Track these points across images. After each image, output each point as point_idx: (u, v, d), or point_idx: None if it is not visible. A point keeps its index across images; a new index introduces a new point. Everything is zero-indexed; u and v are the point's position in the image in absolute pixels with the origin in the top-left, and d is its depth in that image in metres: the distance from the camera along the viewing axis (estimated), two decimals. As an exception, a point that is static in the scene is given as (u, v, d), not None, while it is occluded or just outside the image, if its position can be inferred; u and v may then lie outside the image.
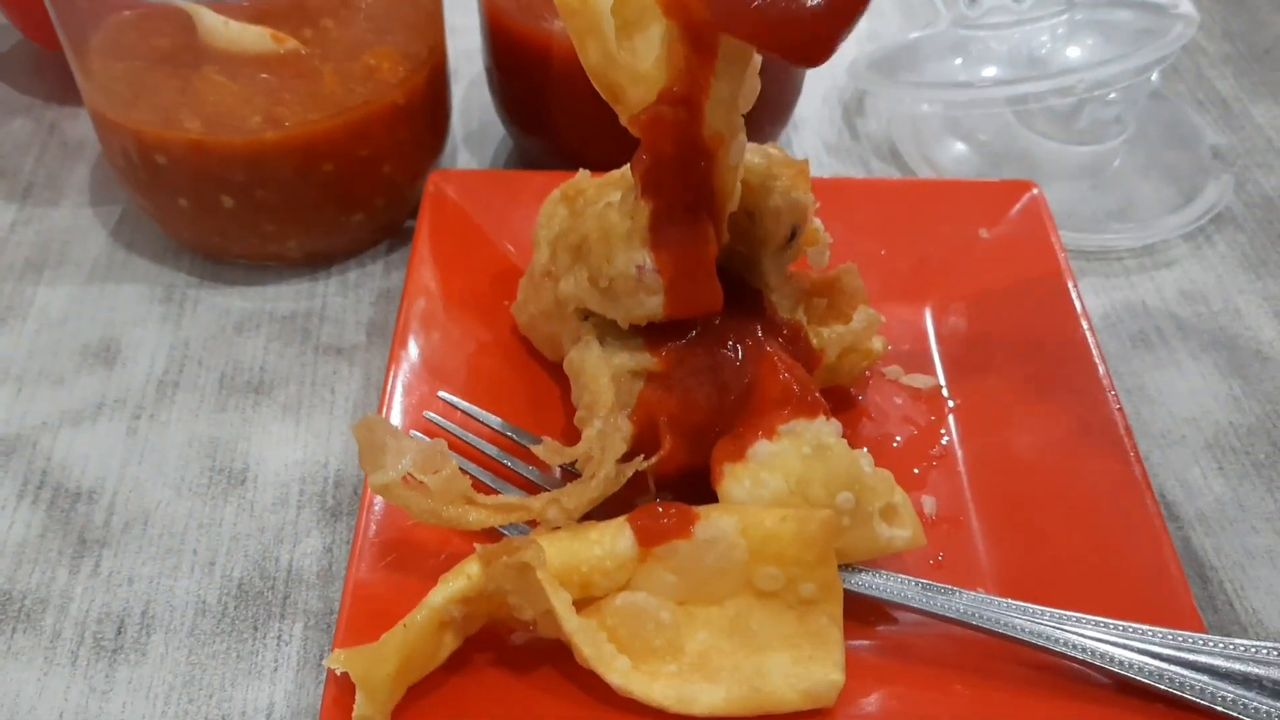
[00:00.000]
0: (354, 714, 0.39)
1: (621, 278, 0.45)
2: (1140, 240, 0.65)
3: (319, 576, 0.49)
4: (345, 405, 0.55)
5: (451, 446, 0.49)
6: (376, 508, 0.47)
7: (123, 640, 0.46)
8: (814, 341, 0.50)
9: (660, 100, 0.43)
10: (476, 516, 0.44)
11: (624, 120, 0.44)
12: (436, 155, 0.64)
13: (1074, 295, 0.56)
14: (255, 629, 0.47)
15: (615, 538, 0.43)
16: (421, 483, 0.43)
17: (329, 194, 0.58)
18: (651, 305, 0.46)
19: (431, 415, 0.50)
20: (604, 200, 0.48)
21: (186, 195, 0.57)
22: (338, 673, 0.40)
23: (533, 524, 0.45)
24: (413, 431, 0.49)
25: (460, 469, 0.44)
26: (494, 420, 0.50)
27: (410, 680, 0.41)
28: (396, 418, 0.50)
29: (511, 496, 0.45)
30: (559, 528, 0.44)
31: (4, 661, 0.46)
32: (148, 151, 0.56)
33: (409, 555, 0.46)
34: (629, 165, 0.50)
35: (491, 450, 0.50)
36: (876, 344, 0.52)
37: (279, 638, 0.47)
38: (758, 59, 0.45)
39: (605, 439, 0.45)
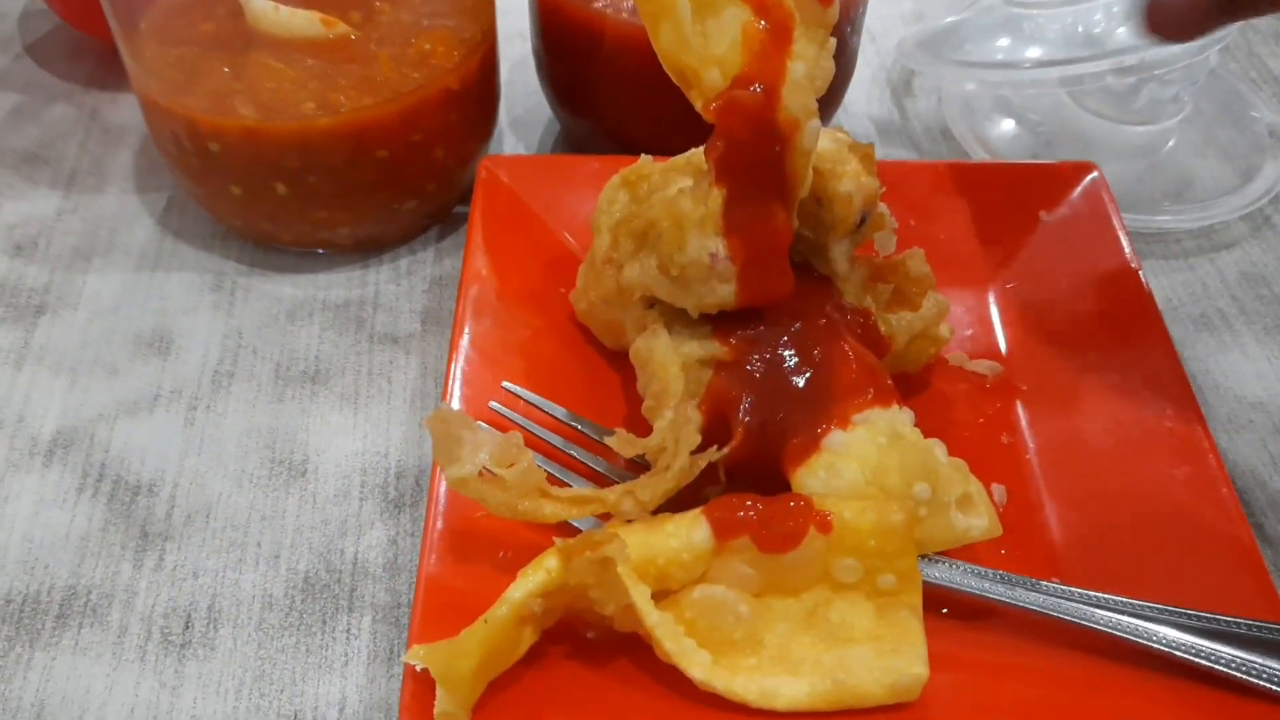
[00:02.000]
0: (436, 710, 0.39)
1: (694, 265, 0.45)
2: (1198, 222, 0.64)
3: (385, 569, 0.48)
4: (403, 395, 0.55)
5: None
6: (443, 500, 0.46)
7: (190, 635, 0.46)
8: (882, 328, 0.49)
9: (735, 84, 0.43)
10: (552, 509, 0.43)
11: (698, 106, 0.44)
12: (486, 139, 0.63)
13: (1142, 278, 0.55)
14: (324, 623, 0.46)
15: (691, 530, 0.42)
16: (495, 475, 0.43)
17: (381, 180, 0.57)
18: (723, 293, 0.45)
19: (496, 405, 0.49)
20: (672, 186, 0.47)
21: (239, 182, 0.56)
22: (417, 669, 0.39)
23: (604, 516, 0.45)
24: (480, 423, 0.48)
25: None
26: (559, 411, 0.50)
27: (490, 675, 0.40)
28: (459, 408, 0.50)
29: (585, 489, 0.44)
30: (633, 520, 0.43)
31: (72, 657, 0.45)
32: (200, 138, 0.55)
33: (478, 548, 0.45)
34: (697, 150, 0.49)
35: (556, 441, 0.49)
36: (943, 330, 0.51)
37: (348, 631, 0.46)
38: (832, 41, 0.44)
39: (678, 430, 0.44)
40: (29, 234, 0.63)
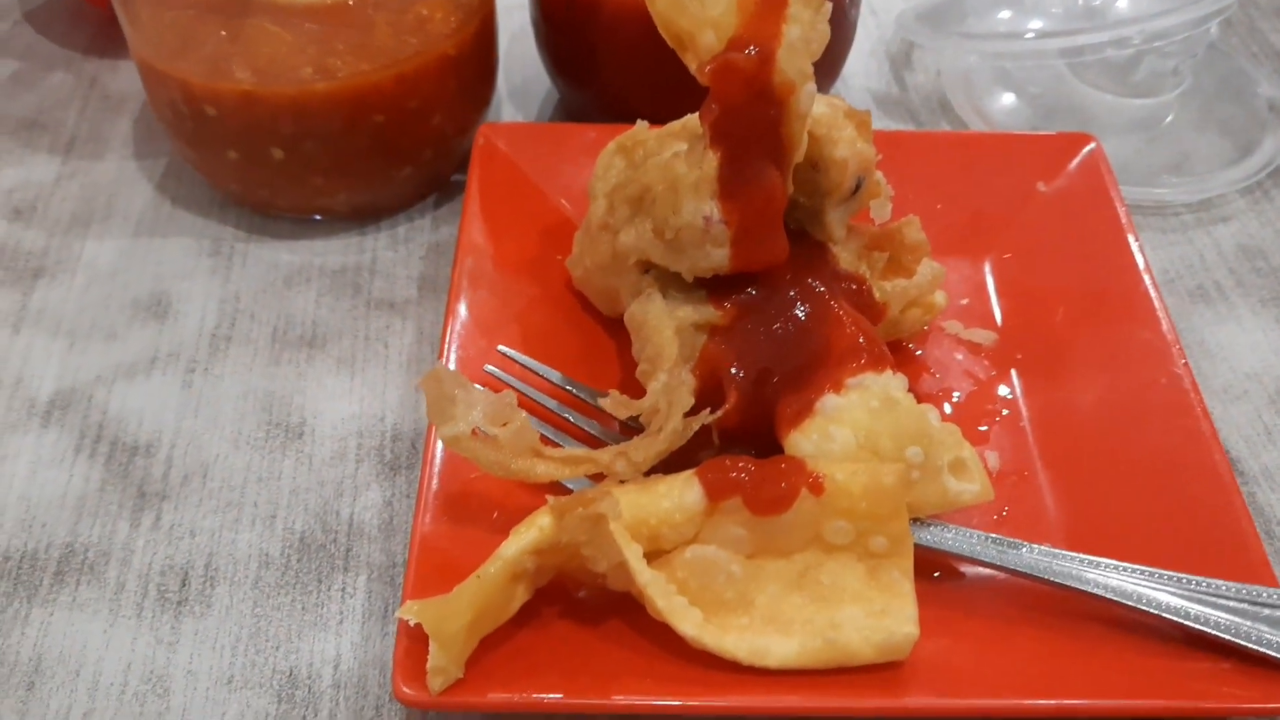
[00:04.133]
0: (429, 665, 0.39)
1: (688, 228, 0.45)
2: (1197, 195, 0.64)
3: (380, 530, 0.48)
4: (399, 359, 0.55)
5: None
6: (438, 461, 0.46)
7: (187, 593, 0.46)
8: (877, 295, 0.49)
9: (730, 47, 0.43)
10: (544, 469, 0.43)
11: (693, 69, 0.44)
12: (484, 108, 0.63)
13: (1136, 250, 0.55)
14: (319, 582, 0.47)
15: (684, 491, 0.42)
16: (489, 435, 0.43)
17: (378, 146, 0.57)
18: (717, 257, 0.45)
19: (491, 369, 0.50)
20: (668, 150, 0.47)
21: (235, 147, 0.56)
22: (410, 624, 0.40)
23: (597, 477, 0.45)
24: (474, 384, 0.49)
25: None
26: (553, 374, 0.50)
27: (483, 632, 0.41)
28: (454, 369, 0.50)
29: (578, 449, 0.45)
30: (625, 481, 0.44)
31: (69, 614, 0.46)
32: (196, 103, 0.55)
33: (472, 509, 0.46)
34: (693, 115, 0.49)
35: (550, 403, 0.49)
36: (938, 298, 0.52)
37: (343, 590, 0.46)
38: (828, 5, 0.44)
39: (672, 392, 0.44)
40: (27, 199, 0.63)
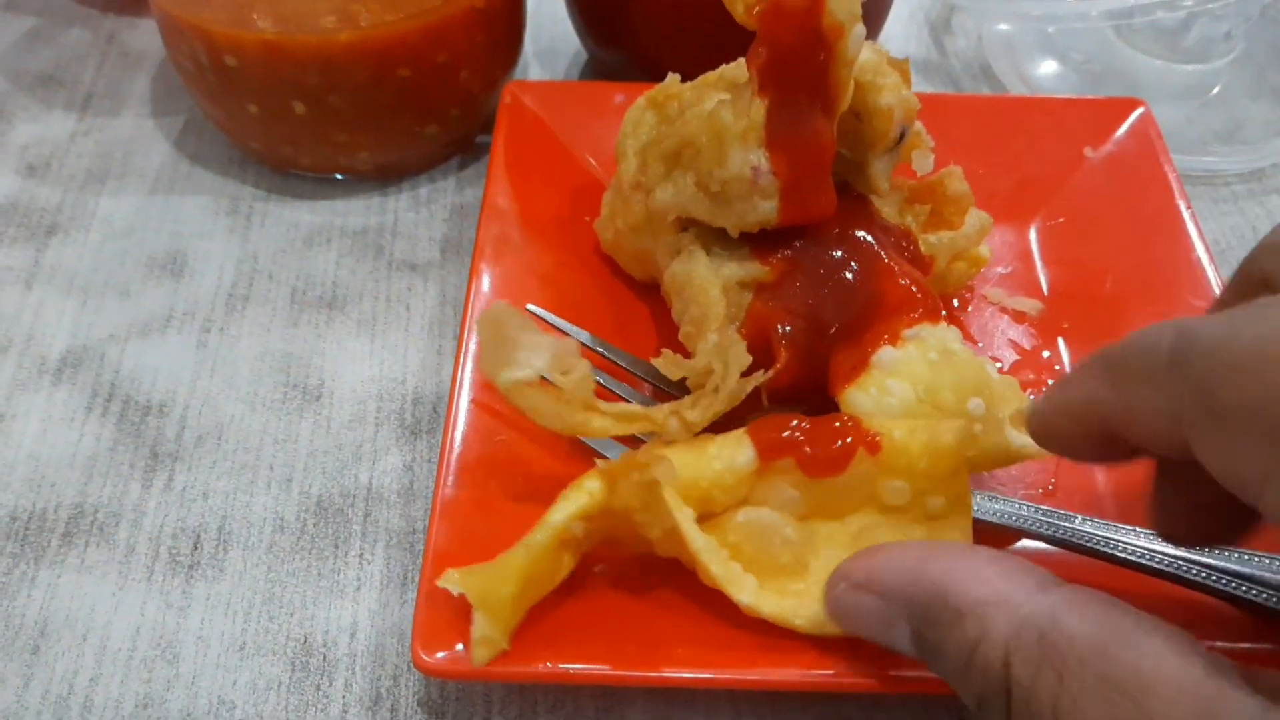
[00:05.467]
0: (474, 635, 0.37)
1: (735, 180, 0.42)
2: (1249, 164, 0.62)
3: (400, 495, 0.47)
4: (421, 322, 0.53)
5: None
6: (461, 426, 0.45)
7: (199, 556, 0.45)
8: (921, 249, 0.47)
9: (777, -12, 0.40)
10: (601, 424, 0.41)
11: (738, 13, 0.42)
12: (511, 66, 0.61)
13: (1189, 218, 0.53)
14: (336, 547, 0.45)
15: (735, 452, 0.40)
16: (549, 384, 0.41)
17: (404, 101, 0.55)
18: (765, 210, 0.43)
19: (518, 328, 0.48)
20: (708, 100, 0.45)
21: (256, 100, 0.55)
22: (454, 593, 0.37)
23: (629, 441, 0.43)
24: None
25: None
26: (583, 335, 0.48)
27: (530, 601, 0.38)
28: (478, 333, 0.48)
29: (634, 406, 0.42)
30: (674, 442, 0.41)
31: (78, 576, 0.44)
32: (217, 53, 0.53)
33: (495, 474, 0.44)
34: (731, 65, 0.47)
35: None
36: (984, 250, 0.50)
37: (360, 556, 0.45)
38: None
39: (725, 351, 0.42)
40: (42, 155, 0.61)
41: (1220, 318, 0.29)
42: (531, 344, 0.40)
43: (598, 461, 0.39)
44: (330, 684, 0.41)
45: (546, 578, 0.38)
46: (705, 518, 0.40)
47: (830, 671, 0.38)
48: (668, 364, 0.43)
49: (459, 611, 0.38)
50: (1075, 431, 0.34)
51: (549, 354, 0.40)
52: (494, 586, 0.37)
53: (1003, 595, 0.32)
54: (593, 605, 0.40)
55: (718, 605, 0.39)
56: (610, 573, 0.41)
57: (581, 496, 0.38)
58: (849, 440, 0.39)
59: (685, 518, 0.37)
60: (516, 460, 0.44)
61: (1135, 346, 0.31)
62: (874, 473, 0.39)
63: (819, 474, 0.39)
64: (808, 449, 0.39)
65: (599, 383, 0.47)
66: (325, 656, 0.42)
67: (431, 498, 0.43)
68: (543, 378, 0.41)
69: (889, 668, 0.38)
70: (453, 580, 0.37)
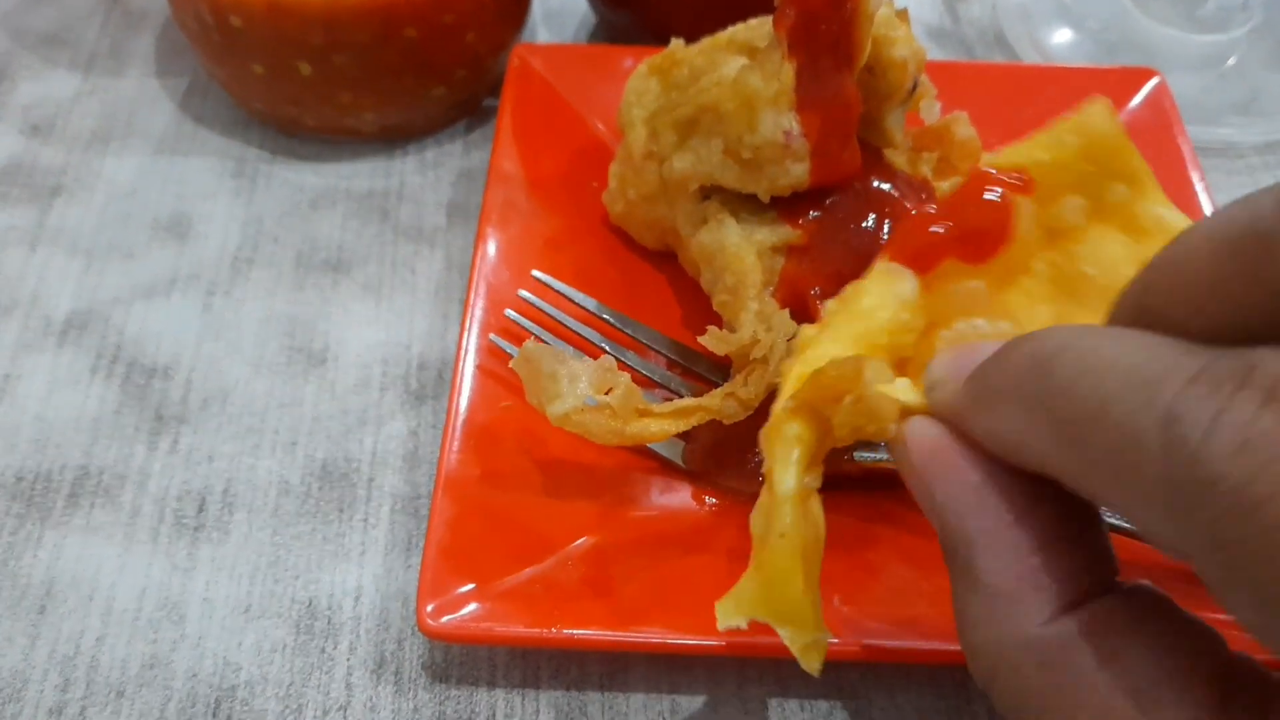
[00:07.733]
0: (794, 651, 0.32)
1: (768, 145, 0.42)
2: (1265, 135, 0.61)
3: (405, 460, 0.47)
4: (428, 287, 0.53)
5: (545, 327, 0.47)
6: (466, 392, 0.44)
7: (204, 518, 0.45)
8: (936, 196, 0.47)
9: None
10: (659, 427, 0.40)
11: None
12: (518, 29, 0.61)
13: (1202, 191, 0.52)
14: (340, 511, 0.45)
15: (889, 288, 0.34)
16: (596, 405, 0.40)
17: (409, 62, 0.55)
18: (798, 172, 0.42)
19: (525, 294, 0.47)
20: (728, 65, 0.44)
21: (261, 61, 0.54)
22: (743, 627, 0.32)
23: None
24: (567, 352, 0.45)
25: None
26: (590, 302, 0.48)
27: (817, 574, 0.32)
28: (484, 299, 0.48)
29: (687, 400, 0.41)
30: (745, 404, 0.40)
31: (83, 537, 0.44)
32: (222, 12, 0.53)
33: (500, 440, 0.44)
34: (740, 26, 0.47)
35: (592, 335, 0.47)
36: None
37: (365, 520, 0.45)
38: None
39: (768, 319, 0.41)
40: (46, 115, 0.61)
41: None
42: (570, 374, 0.40)
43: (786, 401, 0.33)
44: (335, 647, 0.41)
45: (815, 542, 0.33)
46: (902, 365, 0.34)
47: (834, 640, 0.38)
48: (715, 340, 0.42)
49: (463, 575, 0.38)
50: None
51: (588, 378, 0.40)
52: (779, 593, 0.32)
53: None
54: (598, 572, 0.40)
55: (724, 572, 0.39)
56: (615, 540, 0.41)
57: (793, 447, 0.32)
58: (999, 204, 0.33)
59: (908, 391, 0.32)
60: (522, 426, 0.44)
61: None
62: (1040, 209, 0.34)
63: (988, 256, 0.34)
64: (963, 239, 0.34)
65: (605, 350, 0.46)
66: (330, 620, 0.42)
67: (436, 463, 0.43)
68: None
69: (892, 638, 0.38)
70: (732, 611, 0.32)
